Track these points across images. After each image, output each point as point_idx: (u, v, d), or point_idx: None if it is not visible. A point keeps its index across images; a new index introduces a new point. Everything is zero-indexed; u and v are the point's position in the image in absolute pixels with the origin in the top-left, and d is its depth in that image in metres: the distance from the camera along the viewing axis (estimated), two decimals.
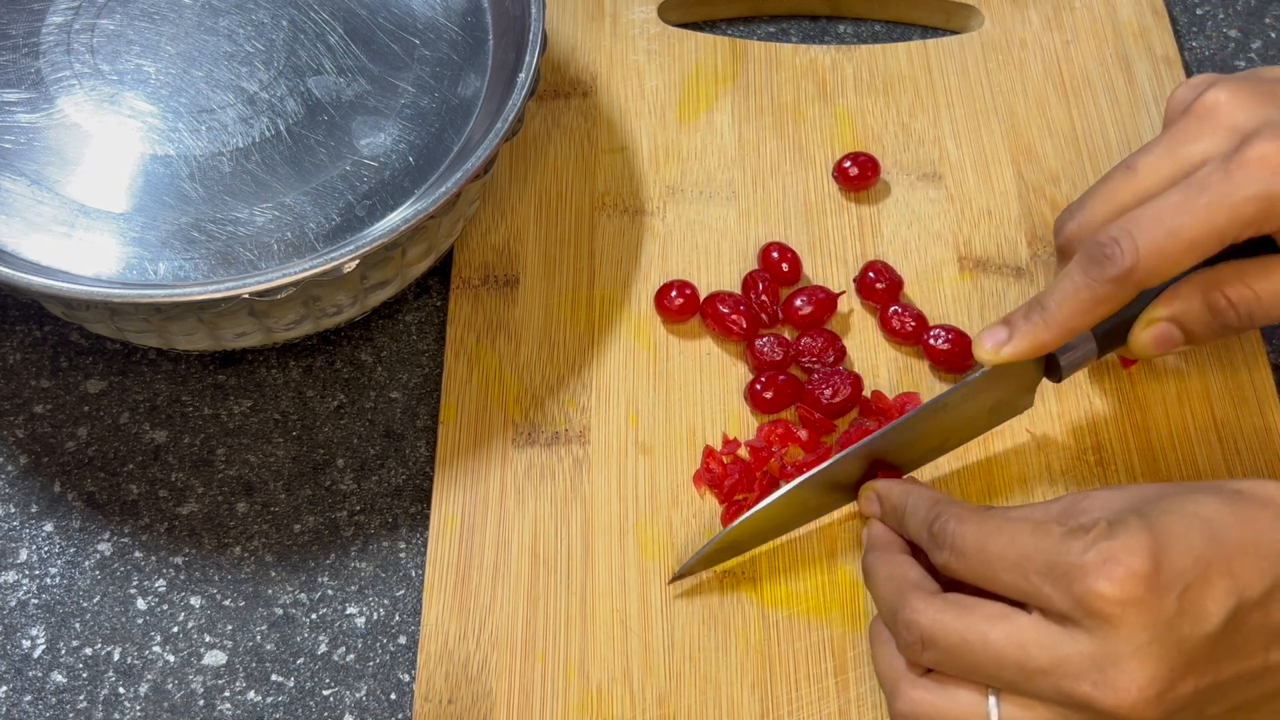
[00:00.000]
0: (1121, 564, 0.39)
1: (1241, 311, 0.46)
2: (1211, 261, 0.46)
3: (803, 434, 0.53)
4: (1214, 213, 0.43)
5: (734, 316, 0.55)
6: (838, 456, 0.49)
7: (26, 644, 0.50)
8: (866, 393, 0.54)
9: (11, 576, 0.52)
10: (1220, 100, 0.46)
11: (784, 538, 0.51)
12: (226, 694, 0.49)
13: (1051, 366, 0.49)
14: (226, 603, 0.51)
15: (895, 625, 0.43)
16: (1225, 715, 0.41)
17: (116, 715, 0.49)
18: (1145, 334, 0.48)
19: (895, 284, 0.56)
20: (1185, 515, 0.41)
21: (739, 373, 0.55)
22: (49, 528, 0.53)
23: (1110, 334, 0.48)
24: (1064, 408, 0.54)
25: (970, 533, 0.43)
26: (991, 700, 0.41)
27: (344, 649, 0.50)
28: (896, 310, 0.56)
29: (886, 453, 0.50)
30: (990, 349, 0.47)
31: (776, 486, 0.52)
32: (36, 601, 0.51)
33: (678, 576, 0.50)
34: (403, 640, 0.51)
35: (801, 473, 0.50)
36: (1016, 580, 0.41)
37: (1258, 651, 0.40)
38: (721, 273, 0.58)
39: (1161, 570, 0.39)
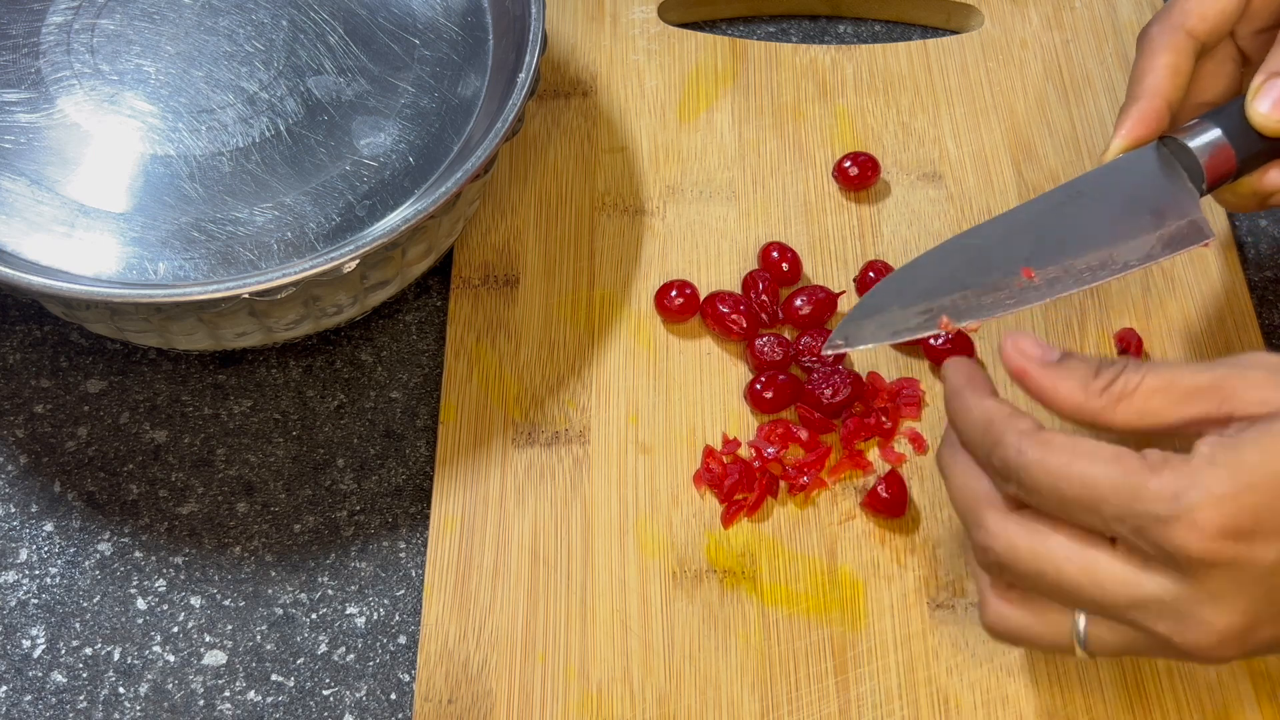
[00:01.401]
0: (1207, 513, 0.37)
1: None
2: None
3: (803, 434, 0.53)
4: None
5: (734, 316, 0.55)
6: (1003, 215, 0.47)
7: (26, 644, 0.51)
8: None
9: (11, 576, 0.52)
10: None
11: (788, 540, 0.51)
12: (226, 694, 0.49)
13: (1193, 174, 0.47)
14: (226, 603, 0.51)
15: (971, 541, 0.42)
16: None
17: (116, 715, 0.49)
18: (1255, 102, 0.46)
19: None
20: (1265, 449, 0.38)
21: (739, 373, 0.55)
22: (49, 528, 0.53)
23: (1230, 125, 0.47)
24: None
25: (1037, 470, 0.39)
26: (1081, 619, 0.41)
27: (344, 649, 0.50)
28: None
29: (1044, 242, 0.46)
30: (1111, 146, 0.48)
31: (777, 485, 0.52)
32: (36, 601, 0.51)
33: (831, 345, 0.46)
34: (403, 640, 0.51)
35: (816, 473, 0.49)
36: (1092, 520, 0.39)
37: None
38: (721, 273, 0.58)
39: (1245, 516, 0.37)
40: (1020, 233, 0.46)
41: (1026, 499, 0.40)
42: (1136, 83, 0.48)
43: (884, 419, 0.53)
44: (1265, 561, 0.38)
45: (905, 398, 0.54)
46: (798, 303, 0.56)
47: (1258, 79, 0.46)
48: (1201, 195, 0.47)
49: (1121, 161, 0.47)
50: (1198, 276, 0.57)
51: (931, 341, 0.55)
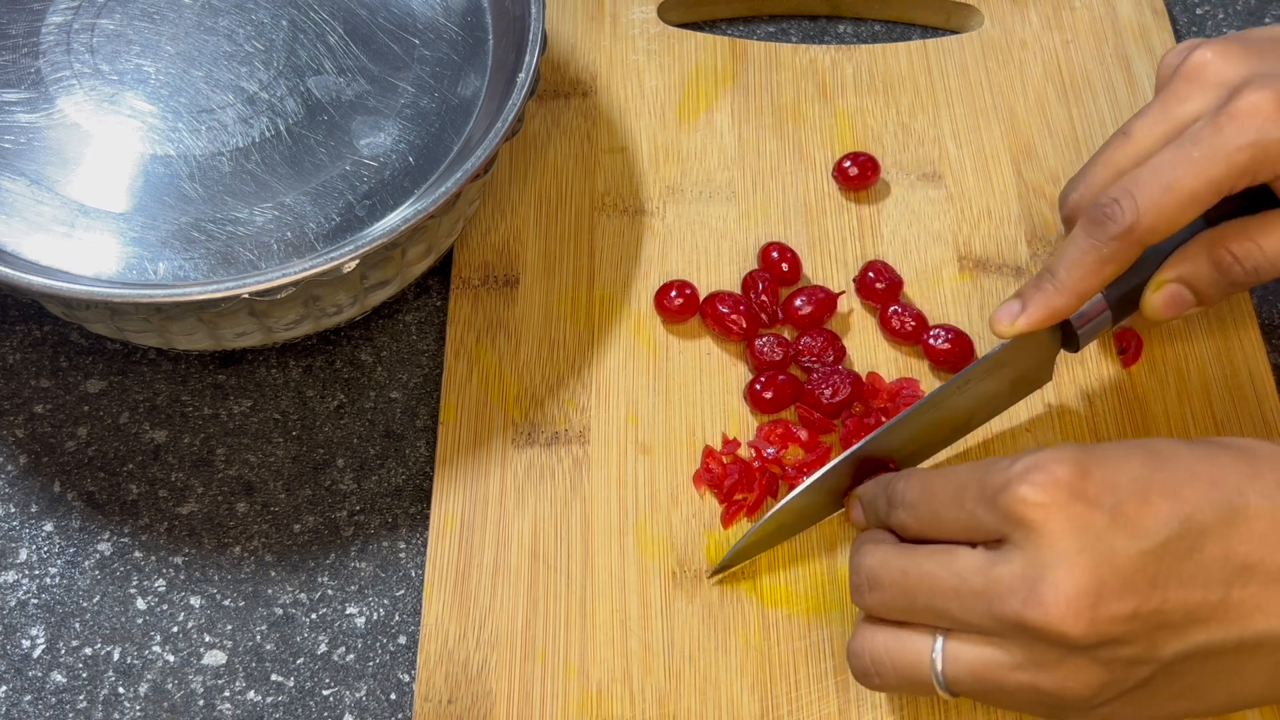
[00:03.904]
0: (1045, 470, 0.40)
1: (1247, 266, 0.47)
2: (1215, 222, 0.47)
3: (803, 434, 0.53)
4: (1208, 164, 0.44)
5: (734, 316, 0.55)
6: (857, 446, 0.49)
7: (26, 644, 0.50)
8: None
9: (11, 576, 0.52)
10: (1207, 59, 0.47)
11: (787, 541, 0.51)
12: (226, 694, 0.49)
13: (1068, 337, 0.49)
14: (226, 603, 0.51)
15: (850, 570, 0.45)
16: (1186, 662, 0.40)
17: (116, 715, 0.49)
18: (1156, 297, 0.48)
19: (895, 284, 0.56)
20: (1131, 444, 0.42)
21: (739, 373, 0.55)
22: (49, 528, 0.53)
23: (1123, 301, 0.49)
24: (1063, 408, 0.54)
25: (915, 483, 0.44)
26: (937, 639, 0.41)
27: (344, 649, 0.50)
28: (896, 310, 0.56)
29: (907, 435, 0.50)
30: (1006, 322, 0.48)
31: (777, 485, 0.52)
32: (36, 601, 0.51)
33: (717, 571, 0.50)
34: (403, 640, 0.51)
35: (824, 463, 0.50)
36: (956, 513, 0.42)
37: (1215, 585, 0.39)
38: (721, 273, 0.58)
39: (1089, 478, 0.39)
40: (889, 436, 0.49)
41: (907, 516, 0.44)
42: (1069, 274, 0.47)
43: (884, 419, 0.53)
44: (1100, 519, 0.39)
45: (905, 398, 0.54)
46: (797, 303, 0.56)
47: (1164, 275, 0.48)
48: (1074, 348, 0.50)
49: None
50: None
51: (931, 342, 0.55)
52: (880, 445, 0.49)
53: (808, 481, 0.49)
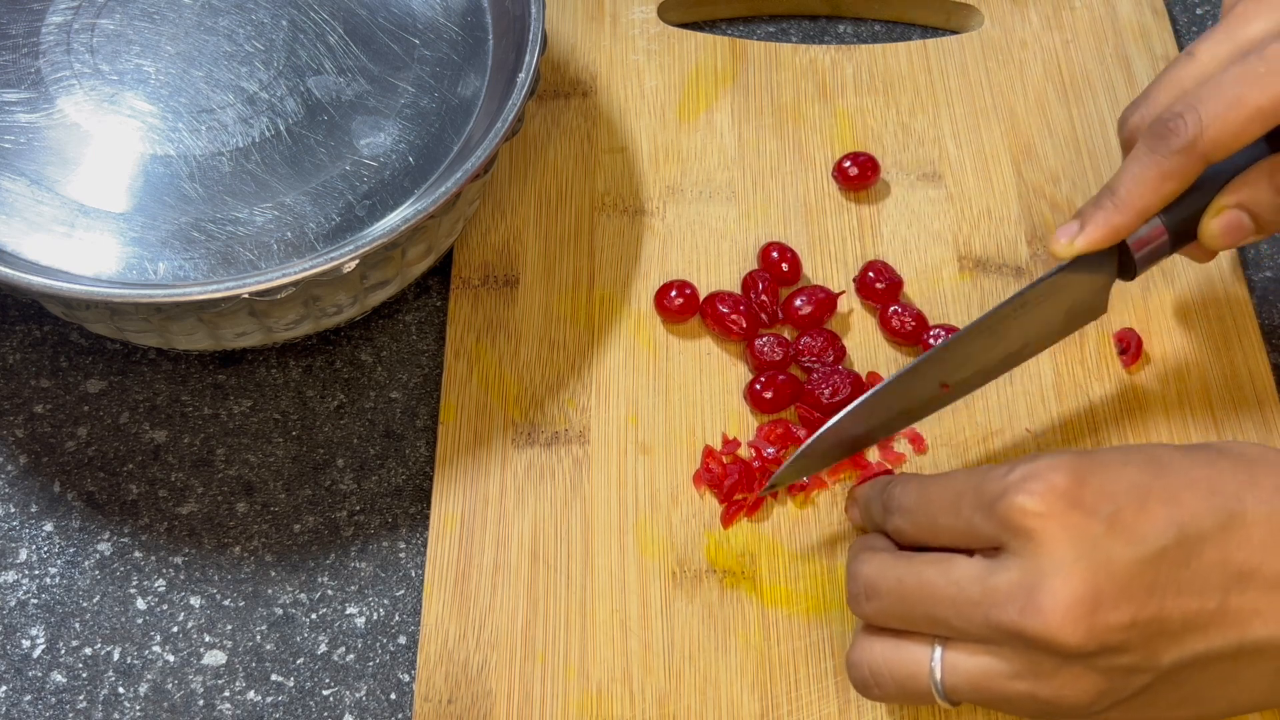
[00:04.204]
0: (1042, 479, 0.40)
1: None
2: (1278, 148, 0.46)
3: (803, 434, 0.53)
4: (1275, 80, 0.43)
5: (734, 316, 0.55)
6: (918, 360, 0.48)
7: (26, 644, 0.51)
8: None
9: (11, 576, 0.52)
10: None
11: (788, 540, 0.51)
12: (226, 694, 0.49)
13: (1124, 265, 0.48)
14: (226, 603, 0.51)
15: (848, 578, 0.45)
16: (1185, 670, 0.40)
17: (116, 715, 0.49)
18: (1215, 223, 0.47)
19: (895, 284, 0.56)
20: (1128, 450, 0.41)
21: (739, 373, 0.55)
22: (49, 528, 0.53)
23: (1182, 227, 0.48)
24: (1064, 409, 0.54)
25: (912, 489, 0.44)
26: (936, 648, 0.41)
27: (344, 649, 0.50)
28: (896, 310, 0.56)
29: (967, 356, 0.48)
30: (1065, 242, 0.47)
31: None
32: (36, 601, 0.51)
33: (771, 486, 0.50)
34: (403, 640, 0.51)
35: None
36: (953, 521, 0.42)
37: (1214, 592, 0.39)
38: (721, 273, 0.58)
39: (1086, 486, 0.39)
40: (945, 355, 0.48)
41: (903, 522, 0.44)
42: (1130, 191, 0.46)
43: None
44: (1097, 527, 0.39)
45: None
46: (797, 303, 0.56)
47: (1224, 200, 0.47)
48: (1130, 275, 0.49)
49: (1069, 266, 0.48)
50: (1198, 276, 0.57)
51: (931, 342, 0.55)
52: (935, 366, 0.48)
53: (864, 397, 0.48)
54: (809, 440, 0.48)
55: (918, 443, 0.53)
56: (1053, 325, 0.49)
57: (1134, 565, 0.38)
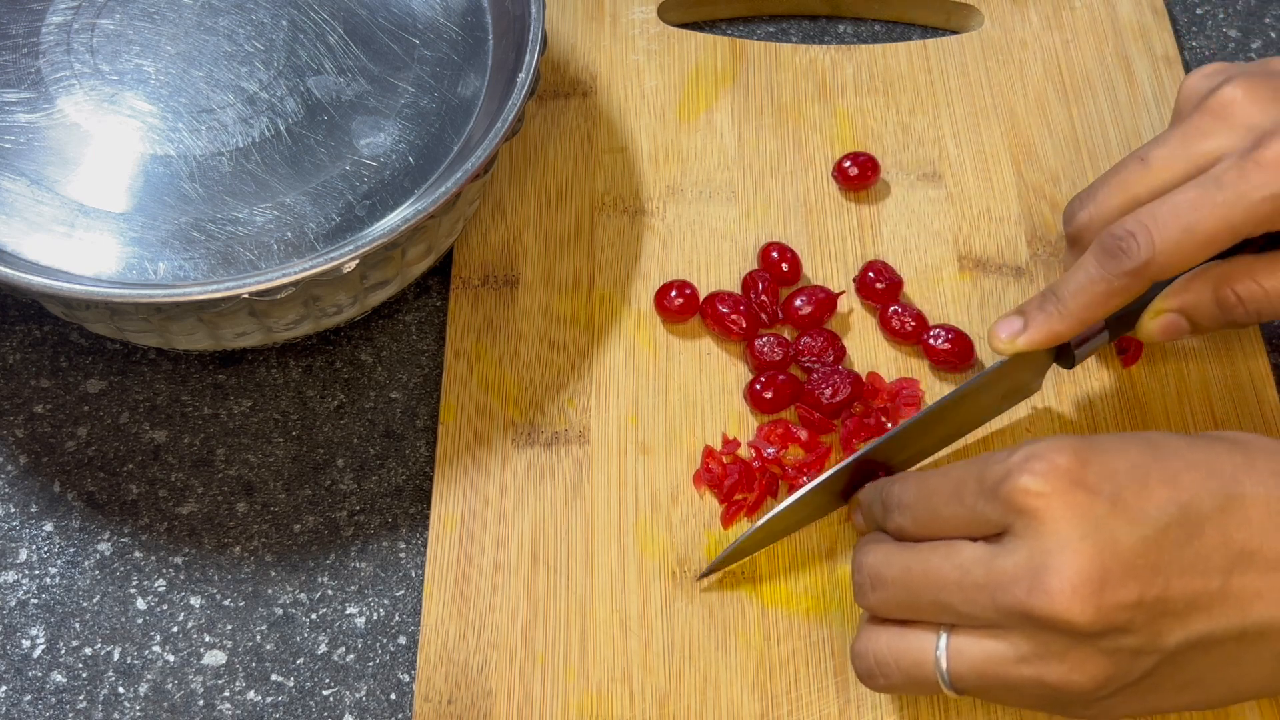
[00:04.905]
0: (1045, 459, 0.40)
1: (1250, 308, 0.47)
2: (1221, 255, 0.47)
3: (802, 434, 0.53)
4: (1230, 210, 0.44)
5: (734, 316, 0.55)
6: (855, 455, 0.49)
7: (26, 644, 0.51)
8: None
9: (11, 576, 0.52)
10: (1236, 97, 0.46)
11: (787, 541, 0.51)
12: (226, 694, 0.49)
13: (1063, 352, 0.49)
14: (226, 603, 0.51)
15: (853, 569, 0.45)
16: (1189, 653, 0.40)
17: (116, 715, 0.49)
18: (1154, 323, 0.48)
19: (895, 284, 0.56)
20: (1127, 435, 0.42)
21: (739, 373, 0.55)
22: (49, 528, 0.53)
23: (1121, 320, 0.49)
24: (1063, 408, 0.54)
25: (911, 484, 0.45)
26: (942, 635, 0.41)
27: (344, 649, 0.50)
28: (896, 310, 0.56)
29: (905, 443, 0.50)
30: (1006, 339, 0.48)
31: (777, 485, 0.52)
32: (36, 601, 0.51)
33: (706, 574, 0.50)
34: (403, 640, 0.51)
35: (816, 472, 0.50)
36: (956, 509, 0.42)
37: (1215, 572, 0.39)
38: (721, 273, 0.58)
39: (1089, 466, 0.40)
40: (886, 446, 0.50)
41: (904, 519, 0.44)
42: (1075, 302, 0.46)
43: (884, 419, 0.53)
44: (1101, 506, 0.39)
45: (905, 398, 0.54)
46: (797, 303, 0.56)
47: (1165, 304, 0.48)
48: (1069, 364, 0.50)
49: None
50: None
51: (931, 342, 0.55)
52: (876, 454, 0.50)
53: (802, 491, 0.49)
54: (750, 529, 0.49)
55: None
56: (988, 409, 0.52)
57: (1138, 544, 0.39)
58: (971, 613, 0.40)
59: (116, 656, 0.50)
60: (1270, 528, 0.39)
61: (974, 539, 0.41)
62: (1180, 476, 0.40)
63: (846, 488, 0.50)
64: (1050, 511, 0.39)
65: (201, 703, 0.49)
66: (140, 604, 0.51)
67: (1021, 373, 0.50)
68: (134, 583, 0.52)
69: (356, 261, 0.48)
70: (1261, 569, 0.39)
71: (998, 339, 0.48)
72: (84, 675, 0.50)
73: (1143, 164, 0.47)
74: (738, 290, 0.57)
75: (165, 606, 0.51)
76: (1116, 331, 0.49)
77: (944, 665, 0.41)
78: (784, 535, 0.51)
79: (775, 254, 0.57)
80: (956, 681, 0.41)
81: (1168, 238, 0.44)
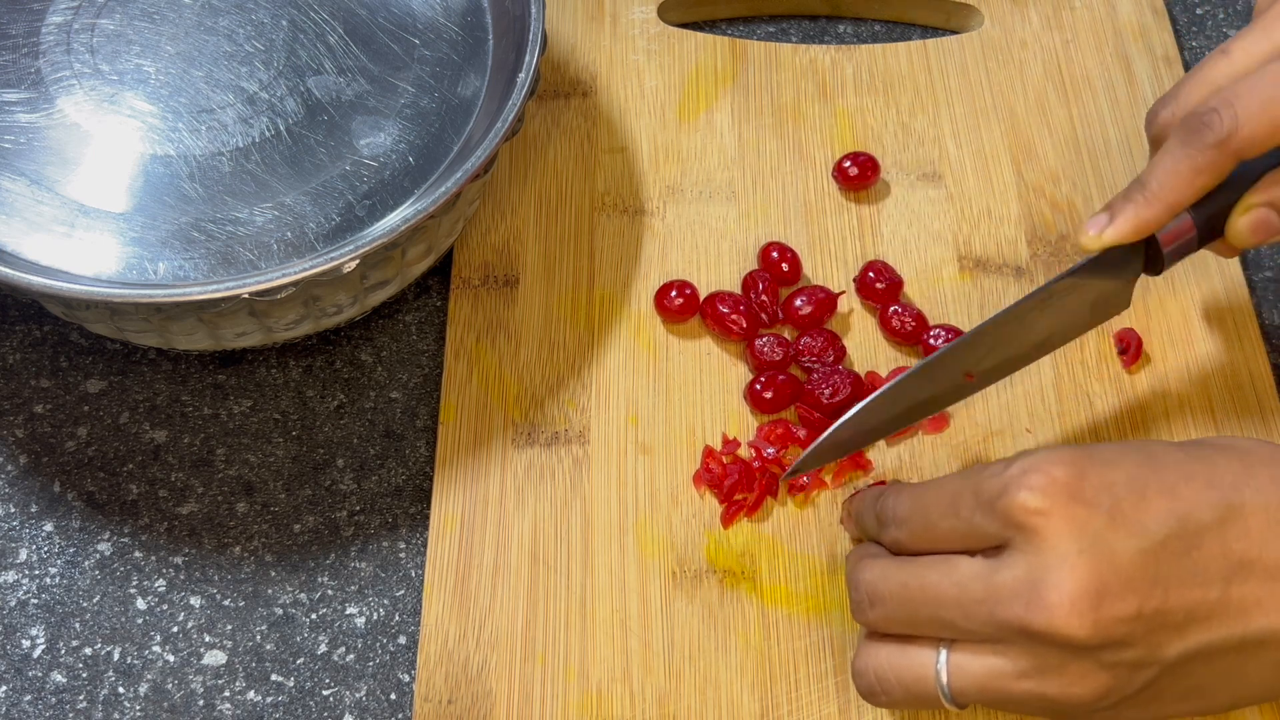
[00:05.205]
0: (1042, 472, 0.40)
1: None
2: None
3: (803, 434, 0.53)
4: None
5: (734, 316, 0.55)
6: (944, 349, 0.47)
7: (26, 644, 0.51)
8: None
9: (11, 576, 0.52)
10: None
11: (788, 540, 0.51)
12: (226, 694, 0.49)
13: (1152, 259, 0.48)
14: (226, 603, 0.51)
15: (849, 586, 0.44)
16: (1189, 663, 0.40)
17: (116, 715, 0.49)
18: (1243, 220, 0.46)
19: (895, 284, 0.56)
20: (1125, 445, 0.41)
21: (739, 373, 0.55)
22: (49, 528, 0.53)
23: (1210, 222, 0.47)
24: (1064, 408, 0.54)
25: (905, 498, 0.44)
26: (942, 651, 0.41)
27: (344, 649, 0.50)
28: (896, 310, 0.56)
29: (993, 346, 0.48)
30: (1094, 233, 0.46)
31: (777, 485, 0.52)
32: (36, 601, 0.51)
33: (792, 473, 0.49)
34: (403, 640, 0.51)
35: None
36: (953, 523, 0.42)
37: (1215, 582, 0.39)
38: (721, 273, 0.58)
39: (1086, 479, 0.39)
40: (971, 344, 0.48)
41: (899, 532, 0.44)
42: (1161, 184, 0.45)
43: None
44: (1099, 520, 0.39)
45: None
46: (798, 303, 0.56)
47: (1253, 198, 0.46)
48: (1157, 270, 0.48)
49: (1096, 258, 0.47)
50: (1198, 276, 0.57)
51: (931, 342, 0.55)
52: (960, 355, 0.48)
53: (889, 384, 0.47)
54: (833, 427, 0.48)
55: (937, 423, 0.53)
56: (1078, 318, 0.49)
57: (1137, 557, 0.38)
58: (971, 628, 0.40)
59: (116, 656, 0.50)
60: (1270, 536, 0.39)
61: (971, 552, 0.41)
62: (1178, 487, 0.40)
63: (932, 395, 0.48)
64: (1048, 526, 0.39)
65: (201, 703, 0.49)
66: (140, 604, 0.51)
67: (1109, 278, 0.48)
68: (134, 583, 0.52)
69: (356, 261, 0.48)
70: (1261, 578, 0.39)
71: (1086, 236, 0.46)
72: (84, 675, 0.50)
73: (1225, 55, 0.46)
74: (738, 290, 0.57)
75: (165, 606, 0.51)
76: (1206, 236, 0.47)
77: (945, 681, 0.41)
78: (858, 447, 0.49)
79: (775, 254, 0.57)
80: (958, 696, 0.41)
81: (1250, 109, 0.43)
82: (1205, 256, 0.58)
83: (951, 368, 0.48)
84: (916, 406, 0.48)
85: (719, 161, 0.61)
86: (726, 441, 0.53)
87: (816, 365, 0.54)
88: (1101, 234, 0.46)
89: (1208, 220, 0.47)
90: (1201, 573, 0.39)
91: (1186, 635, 0.39)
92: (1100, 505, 0.39)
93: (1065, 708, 0.40)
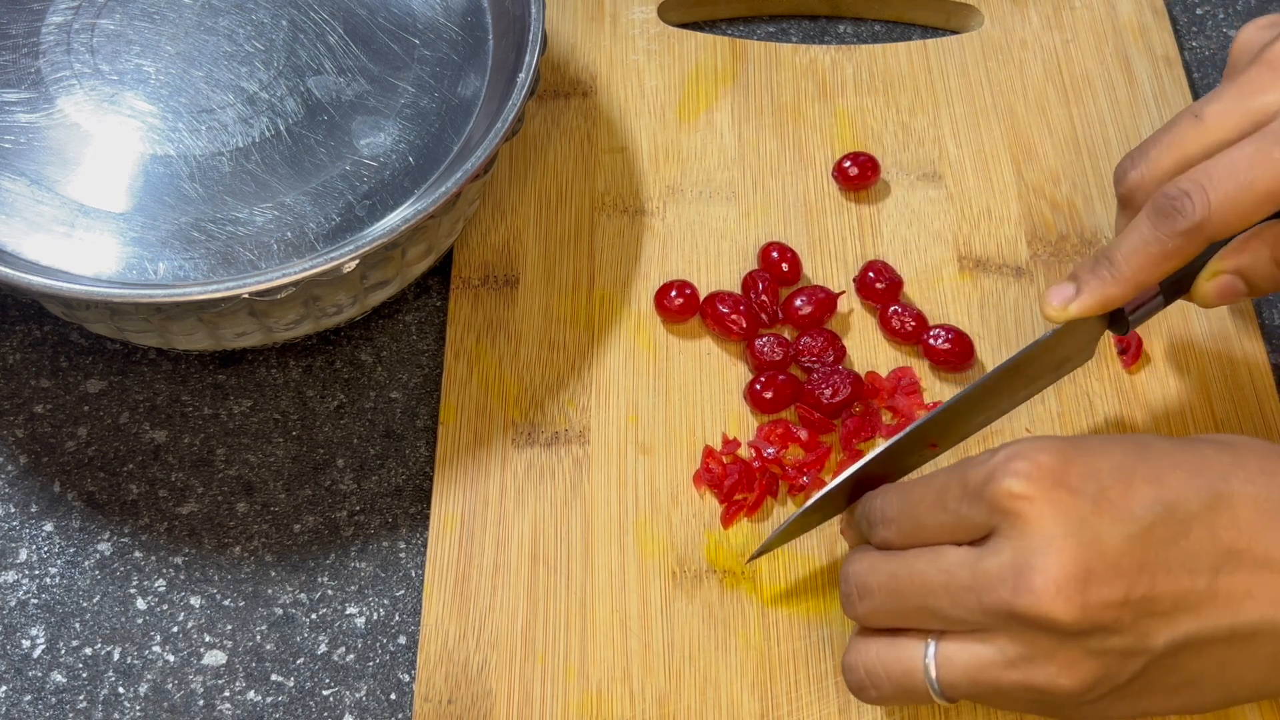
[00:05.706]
0: (1028, 458, 0.40)
1: None
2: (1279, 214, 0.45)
3: (803, 434, 0.53)
4: None
5: (734, 316, 0.55)
6: (910, 428, 0.48)
7: (26, 644, 0.51)
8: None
9: (11, 576, 0.52)
10: None
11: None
12: (226, 694, 0.49)
13: (1116, 318, 0.48)
14: (226, 603, 0.51)
15: (841, 580, 0.44)
16: (1179, 654, 0.39)
17: (116, 715, 0.49)
18: (1210, 285, 0.46)
19: (895, 284, 0.56)
20: (1113, 436, 0.42)
21: (739, 373, 0.55)
22: (49, 528, 0.53)
23: (1176, 284, 0.47)
24: (1064, 409, 0.54)
25: (893, 496, 0.44)
26: (930, 644, 0.41)
27: (344, 649, 0.50)
28: (896, 310, 0.56)
29: (958, 420, 0.49)
30: (1058, 305, 0.46)
31: (777, 485, 0.52)
32: (36, 601, 0.51)
33: (754, 556, 0.50)
34: (403, 640, 0.51)
35: (816, 472, 0.50)
36: (940, 516, 0.42)
37: (1203, 571, 0.39)
38: (721, 273, 0.58)
39: (1072, 465, 0.39)
40: (938, 420, 0.48)
41: (889, 531, 0.43)
42: (1129, 264, 0.45)
43: (884, 419, 0.53)
44: (1084, 505, 0.39)
45: (904, 387, 0.54)
46: (798, 303, 0.56)
47: (1221, 264, 0.46)
48: (1122, 330, 0.48)
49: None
50: None
51: (931, 342, 0.55)
52: (926, 432, 0.48)
53: (853, 468, 0.47)
54: (799, 510, 0.48)
55: None
56: (1039, 380, 0.50)
57: (1124, 543, 0.38)
58: (959, 616, 0.40)
59: (116, 656, 0.50)
60: (1259, 526, 0.39)
61: (959, 544, 0.41)
62: (1166, 475, 0.40)
63: (896, 467, 0.49)
64: (1034, 511, 0.39)
65: (201, 703, 0.49)
66: (140, 604, 0.51)
67: (1073, 340, 0.48)
68: (134, 583, 0.52)
69: (356, 261, 0.48)
70: (1250, 568, 0.39)
71: (1050, 306, 0.46)
72: (84, 675, 0.50)
73: (1196, 120, 0.45)
74: (738, 290, 0.57)
75: (165, 606, 0.51)
76: (1171, 296, 0.48)
77: (933, 673, 0.41)
78: (829, 518, 0.49)
79: (775, 254, 0.57)
80: (947, 689, 0.41)
81: (1223, 197, 0.42)
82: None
83: (918, 442, 0.48)
84: (882, 478, 0.49)
85: (719, 161, 0.61)
86: (726, 441, 0.53)
87: (816, 365, 0.54)
88: (1066, 307, 0.46)
89: (1174, 284, 0.47)
90: (1190, 561, 0.39)
91: (1175, 624, 0.39)
92: (1085, 491, 0.39)
93: (1054, 699, 0.40)
